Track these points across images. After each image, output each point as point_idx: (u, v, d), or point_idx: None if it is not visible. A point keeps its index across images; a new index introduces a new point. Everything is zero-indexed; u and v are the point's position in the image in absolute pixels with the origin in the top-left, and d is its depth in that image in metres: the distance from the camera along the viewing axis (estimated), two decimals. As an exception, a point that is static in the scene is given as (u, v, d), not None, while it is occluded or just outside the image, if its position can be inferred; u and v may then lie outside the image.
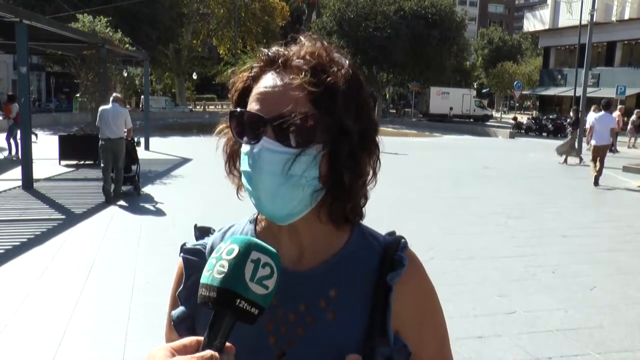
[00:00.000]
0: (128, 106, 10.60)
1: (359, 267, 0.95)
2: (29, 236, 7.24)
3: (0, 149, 17.25)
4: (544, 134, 32.08)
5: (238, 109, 0.91)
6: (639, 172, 15.36)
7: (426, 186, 12.26)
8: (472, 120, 45.95)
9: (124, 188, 10.42)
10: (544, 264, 6.51)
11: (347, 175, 0.89)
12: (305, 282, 0.94)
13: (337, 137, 0.87)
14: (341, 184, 0.89)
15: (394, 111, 57.83)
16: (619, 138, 22.60)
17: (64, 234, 7.37)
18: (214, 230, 1.06)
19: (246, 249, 0.77)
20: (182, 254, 1.02)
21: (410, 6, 42.42)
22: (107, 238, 7.25)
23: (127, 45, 18.74)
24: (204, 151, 16.37)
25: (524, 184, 12.92)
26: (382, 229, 1.05)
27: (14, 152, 16.12)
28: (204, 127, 29.01)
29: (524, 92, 47.01)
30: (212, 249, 0.99)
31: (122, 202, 9.65)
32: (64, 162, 14.41)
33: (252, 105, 0.89)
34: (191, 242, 1.04)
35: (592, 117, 13.60)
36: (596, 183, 12.96)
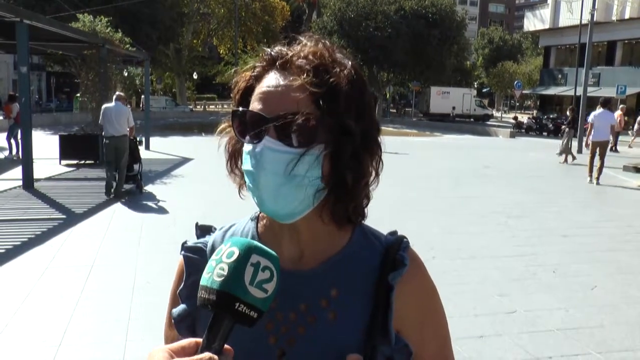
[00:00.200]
0: (128, 105, 10.55)
1: (360, 267, 0.95)
2: (29, 236, 7.24)
3: (0, 148, 17.25)
4: (545, 133, 32.07)
5: (240, 108, 0.91)
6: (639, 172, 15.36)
7: (427, 185, 12.26)
8: (472, 119, 45.95)
9: (126, 186, 10.52)
10: (544, 263, 6.51)
11: (349, 175, 0.89)
12: (306, 282, 0.94)
13: (340, 137, 0.87)
14: (343, 184, 0.89)
15: (395, 111, 57.80)
16: (620, 137, 22.61)
17: (65, 234, 7.37)
18: (215, 229, 1.06)
19: (246, 252, 0.77)
20: (182, 252, 1.02)
21: (411, 6, 42.41)
22: (107, 238, 7.25)
23: (128, 45, 18.75)
24: (205, 151, 16.37)
25: (524, 184, 12.92)
26: (383, 229, 1.05)
27: (14, 152, 16.13)
28: (205, 127, 29.04)
29: (524, 92, 47.01)
30: (213, 248, 0.99)
31: (123, 201, 9.66)
32: (64, 162, 14.42)
33: (255, 105, 0.89)
34: (192, 240, 1.04)
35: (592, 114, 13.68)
36: (597, 182, 12.99)
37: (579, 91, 23.12)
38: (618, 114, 22.08)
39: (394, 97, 62.99)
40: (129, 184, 10.67)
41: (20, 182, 10.80)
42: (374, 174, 0.95)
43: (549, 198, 11.14)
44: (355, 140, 0.88)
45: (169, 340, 1.02)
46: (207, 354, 0.73)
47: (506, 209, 9.77)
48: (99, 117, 14.79)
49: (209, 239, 1.02)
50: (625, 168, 15.86)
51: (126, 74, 26.52)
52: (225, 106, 54.10)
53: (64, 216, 8.47)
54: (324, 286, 0.93)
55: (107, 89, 15.17)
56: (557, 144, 19.36)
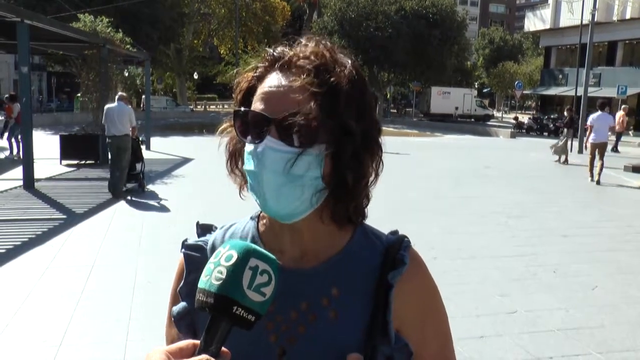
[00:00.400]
0: (129, 105, 10.61)
1: (361, 266, 0.95)
2: (30, 236, 7.24)
3: (1, 148, 17.26)
4: (545, 133, 32.07)
5: (242, 108, 0.92)
6: (640, 172, 15.36)
7: (427, 186, 12.26)
8: (473, 120, 45.95)
9: (129, 185, 10.61)
10: (544, 263, 6.51)
11: (350, 175, 0.89)
12: (307, 281, 0.94)
13: (340, 137, 0.87)
14: (344, 184, 0.90)
15: (395, 111, 57.82)
16: (623, 138, 22.61)
17: (65, 234, 7.38)
18: (215, 228, 1.07)
19: (245, 256, 0.77)
20: (183, 250, 1.02)
21: (411, 6, 42.42)
22: (108, 237, 7.25)
23: (128, 46, 18.75)
24: (205, 151, 16.37)
25: (524, 184, 12.92)
26: (383, 229, 1.05)
27: (15, 152, 16.13)
28: (205, 127, 29.03)
29: (525, 92, 46.97)
30: (213, 246, 1.00)
31: (124, 201, 9.66)
32: (65, 162, 14.43)
33: (257, 105, 0.89)
34: (193, 238, 1.05)
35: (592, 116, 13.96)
36: (598, 183, 13.13)
37: (580, 91, 23.13)
38: (620, 114, 22.10)
39: (394, 97, 62.98)
40: (132, 182, 10.75)
41: (20, 182, 10.80)
42: (374, 174, 0.95)
43: (549, 198, 11.14)
44: (356, 140, 0.88)
45: (169, 338, 1.03)
46: (204, 356, 0.74)
47: (506, 209, 9.77)
48: (99, 117, 14.86)
49: (210, 238, 1.03)
50: (626, 168, 15.87)
51: (127, 74, 26.53)
52: (225, 106, 54.09)
53: (64, 216, 8.48)
54: (325, 285, 0.93)
55: (107, 89, 15.18)
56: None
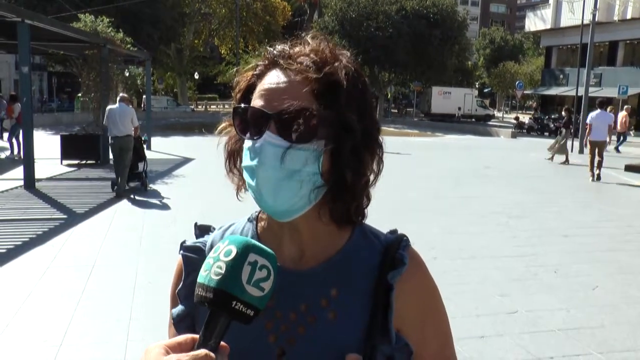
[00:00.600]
0: (130, 106, 10.65)
1: (360, 266, 0.95)
2: (30, 236, 7.25)
3: (2, 148, 17.27)
4: (546, 133, 32.05)
5: (242, 105, 0.92)
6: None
7: (427, 185, 12.26)
8: (474, 120, 45.92)
9: (131, 184, 10.73)
10: (545, 263, 6.51)
11: (349, 173, 0.89)
12: (306, 281, 0.94)
13: (340, 133, 0.87)
14: (343, 182, 0.89)
15: (396, 111, 57.81)
16: (628, 138, 22.59)
17: (66, 234, 7.38)
18: (214, 229, 1.07)
19: (244, 251, 0.77)
20: (181, 252, 1.02)
21: (412, 6, 42.41)
22: (108, 237, 7.26)
23: (129, 45, 18.76)
24: (206, 151, 16.35)
25: (525, 184, 12.91)
26: (383, 229, 1.06)
27: (16, 152, 16.14)
28: (206, 127, 29.02)
29: (525, 92, 46.96)
30: (212, 247, 0.99)
31: (124, 201, 9.67)
32: (65, 162, 14.44)
33: (256, 102, 0.89)
34: (191, 239, 1.05)
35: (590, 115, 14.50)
36: (598, 178, 13.58)
37: (581, 91, 23.10)
38: (623, 114, 22.10)
39: (395, 97, 62.97)
40: (134, 182, 10.85)
41: (21, 182, 10.81)
42: (374, 173, 0.95)
43: (550, 198, 11.13)
44: (356, 137, 0.88)
45: (171, 338, 1.02)
46: (203, 351, 0.74)
47: (507, 209, 9.76)
48: (100, 117, 14.90)
49: (208, 239, 1.03)
50: (627, 168, 15.88)
51: (127, 74, 26.51)
52: (226, 106, 54.09)
53: (65, 216, 8.48)
54: (324, 286, 0.93)
55: (108, 89, 15.19)
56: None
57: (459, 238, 7.61)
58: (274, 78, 0.89)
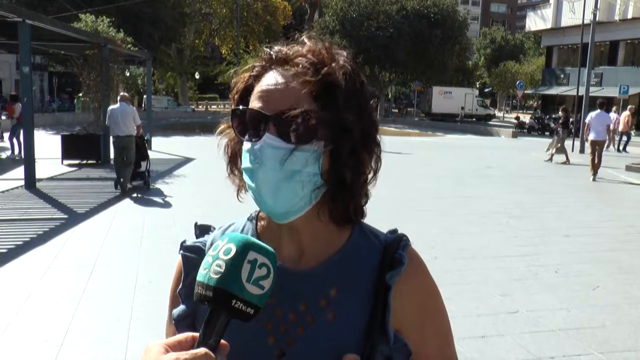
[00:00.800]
0: (131, 105, 10.71)
1: (359, 266, 0.95)
2: (31, 235, 7.25)
3: (2, 148, 17.28)
4: (547, 133, 32.03)
5: (240, 107, 0.92)
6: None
7: (428, 185, 12.25)
8: (474, 119, 45.91)
9: (134, 183, 10.84)
10: (546, 263, 6.50)
11: (348, 172, 0.89)
12: (306, 281, 0.93)
13: (339, 133, 0.87)
14: (342, 181, 0.89)
15: (397, 111, 57.81)
16: (633, 139, 22.56)
17: (67, 234, 7.38)
18: (214, 228, 1.07)
19: (243, 249, 0.77)
20: (181, 251, 1.02)
21: (413, 5, 42.41)
22: (109, 237, 7.26)
23: (130, 45, 18.76)
24: (207, 151, 16.33)
25: (525, 183, 12.91)
26: (384, 228, 1.05)
27: (16, 152, 16.15)
28: (207, 127, 29.03)
29: (526, 92, 46.95)
30: (211, 247, 0.99)
31: (125, 201, 9.67)
32: (66, 162, 14.44)
33: (254, 104, 0.89)
34: (191, 239, 1.04)
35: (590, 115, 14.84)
36: (595, 177, 13.79)
37: (582, 91, 23.09)
38: (626, 114, 22.09)
39: (396, 97, 62.96)
40: (137, 180, 10.94)
41: (22, 182, 10.82)
42: (372, 171, 0.95)
43: (551, 198, 11.13)
44: (355, 137, 0.88)
45: (168, 336, 1.02)
46: (202, 349, 0.74)
47: (507, 208, 9.76)
48: (100, 117, 14.92)
49: (208, 238, 1.03)
50: (628, 168, 15.87)
51: (128, 74, 26.55)
52: (227, 106, 54.06)
53: (65, 216, 8.48)
54: (323, 286, 0.93)
55: (109, 89, 15.19)
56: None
57: (460, 238, 7.61)
58: (272, 79, 0.89)
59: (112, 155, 10.94)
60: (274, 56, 0.92)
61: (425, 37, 41.44)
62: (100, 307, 4.89)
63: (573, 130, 23.01)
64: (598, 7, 23.01)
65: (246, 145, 0.90)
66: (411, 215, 9.07)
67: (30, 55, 11.02)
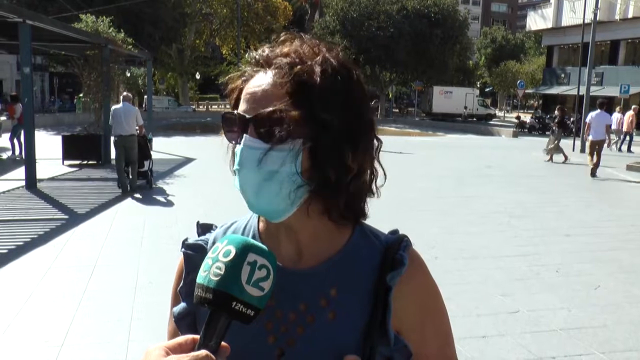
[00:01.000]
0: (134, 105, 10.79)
1: (360, 266, 0.95)
2: (32, 236, 7.25)
3: (3, 149, 17.29)
4: (547, 132, 31.98)
5: (228, 112, 0.93)
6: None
7: (429, 185, 12.25)
8: (475, 119, 45.90)
9: (137, 182, 10.89)
10: (547, 263, 6.50)
11: (332, 170, 0.88)
12: (306, 281, 0.93)
13: (317, 131, 0.87)
14: (326, 179, 0.89)
15: (397, 110, 57.80)
16: (636, 138, 22.51)
17: (67, 234, 7.39)
18: (216, 227, 1.07)
19: (243, 251, 0.77)
20: (183, 249, 1.03)
21: (413, 5, 42.40)
22: (110, 238, 7.26)
23: (130, 46, 18.75)
24: (207, 151, 16.38)
25: (526, 183, 12.90)
26: (385, 228, 1.05)
27: (17, 152, 16.16)
28: (207, 127, 29.05)
29: (527, 91, 46.91)
30: (213, 245, 1.00)
31: (126, 202, 9.68)
32: (67, 162, 14.44)
33: (240, 107, 0.91)
34: (193, 238, 1.05)
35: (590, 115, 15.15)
36: (593, 175, 14.05)
37: (582, 90, 23.07)
38: (630, 114, 22.06)
39: (396, 97, 62.94)
40: (140, 179, 11.01)
41: (23, 183, 10.82)
42: (369, 170, 0.95)
43: (551, 197, 11.12)
44: (335, 135, 0.87)
45: (170, 336, 1.03)
46: (203, 352, 0.74)
47: (508, 208, 9.75)
48: (101, 117, 14.92)
49: (210, 237, 1.03)
50: (629, 167, 15.86)
51: (129, 75, 26.55)
52: (227, 106, 53.89)
53: (66, 216, 8.49)
54: (323, 285, 0.93)
55: (109, 90, 15.20)
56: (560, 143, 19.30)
57: (460, 238, 7.60)
58: (256, 81, 0.90)
59: (113, 156, 10.95)
60: (257, 59, 0.93)
61: (425, 36, 41.43)
62: (101, 308, 4.89)
63: (574, 130, 22.99)
64: (599, 6, 22.98)
65: (236, 148, 0.91)
66: (411, 215, 9.07)
67: (31, 55, 11.02)
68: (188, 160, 15.93)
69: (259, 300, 0.77)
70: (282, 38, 0.95)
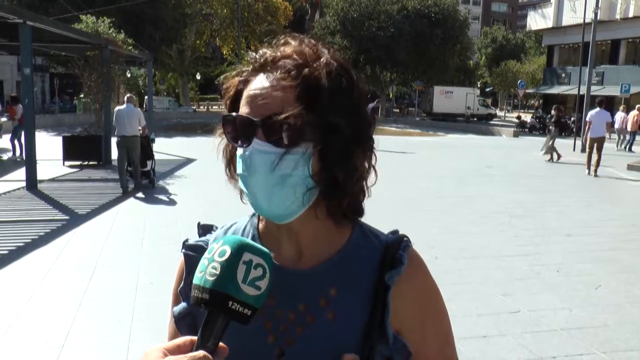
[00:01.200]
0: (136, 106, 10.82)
1: (359, 266, 0.95)
2: (32, 237, 7.25)
3: (4, 150, 17.30)
4: (548, 132, 31.99)
5: (230, 114, 0.92)
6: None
7: (429, 185, 12.24)
8: (475, 119, 45.89)
9: (140, 181, 11.04)
10: (547, 262, 6.49)
11: (340, 172, 0.89)
12: (305, 281, 0.93)
13: (327, 134, 0.87)
14: (335, 181, 0.89)
15: (398, 110, 57.79)
16: (638, 138, 22.48)
17: (68, 235, 7.39)
18: (216, 228, 1.07)
19: (238, 251, 0.77)
20: (183, 250, 1.03)
21: (414, 5, 42.40)
22: (110, 238, 7.26)
23: (130, 47, 18.76)
24: (208, 152, 16.22)
25: (527, 183, 12.90)
26: (385, 228, 1.05)
27: (18, 153, 16.16)
28: (208, 128, 29.02)
29: (527, 91, 46.86)
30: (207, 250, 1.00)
31: (127, 202, 9.68)
32: (67, 163, 14.45)
33: (243, 109, 0.90)
34: (194, 238, 1.05)
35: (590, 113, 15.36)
36: (595, 174, 14.13)
37: (583, 90, 23.06)
38: (635, 113, 22.03)
39: (397, 97, 62.94)
40: (143, 179, 11.13)
41: (23, 183, 10.83)
42: (367, 168, 0.95)
43: (552, 197, 11.12)
44: (343, 136, 0.88)
45: (171, 337, 1.03)
46: (201, 352, 0.74)
47: (509, 208, 9.75)
48: (101, 118, 14.93)
49: (210, 238, 1.03)
50: (630, 167, 15.86)
51: (129, 75, 26.55)
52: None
53: (67, 217, 8.49)
54: (323, 285, 0.93)
55: (110, 90, 15.21)
56: (560, 143, 19.31)
57: (461, 237, 7.60)
58: (258, 84, 0.89)
59: (114, 157, 11.06)
60: (259, 60, 0.92)
61: (426, 36, 41.43)
62: (102, 308, 4.89)
63: (575, 130, 22.96)
64: (599, 6, 22.98)
65: (239, 151, 0.90)
66: (412, 214, 9.07)
67: (32, 56, 11.02)
68: (189, 161, 15.93)
69: (255, 299, 0.77)
70: (281, 41, 0.95)
